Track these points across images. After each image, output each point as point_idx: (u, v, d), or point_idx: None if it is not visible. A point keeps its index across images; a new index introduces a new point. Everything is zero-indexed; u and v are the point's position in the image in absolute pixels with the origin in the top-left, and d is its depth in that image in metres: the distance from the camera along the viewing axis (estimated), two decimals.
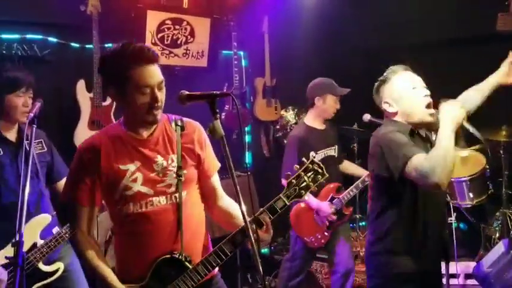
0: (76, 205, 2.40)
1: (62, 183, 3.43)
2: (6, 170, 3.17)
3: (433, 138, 2.88)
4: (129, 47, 2.28)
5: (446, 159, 2.45)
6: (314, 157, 2.52)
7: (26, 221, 3.01)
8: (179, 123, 2.47)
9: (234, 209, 2.54)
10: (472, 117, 2.78)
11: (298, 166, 2.44)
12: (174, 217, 2.37)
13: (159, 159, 2.38)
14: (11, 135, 3.26)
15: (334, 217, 4.36)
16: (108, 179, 2.34)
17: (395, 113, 2.83)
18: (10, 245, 3.03)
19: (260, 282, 1.97)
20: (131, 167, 2.34)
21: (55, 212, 3.35)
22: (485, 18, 5.40)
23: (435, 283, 2.98)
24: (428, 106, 2.74)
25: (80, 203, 2.39)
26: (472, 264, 4.45)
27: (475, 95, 2.98)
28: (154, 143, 2.41)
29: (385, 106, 2.87)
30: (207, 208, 2.62)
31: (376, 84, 2.93)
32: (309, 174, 2.41)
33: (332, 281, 4.61)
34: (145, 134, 2.40)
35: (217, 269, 2.49)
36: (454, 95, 2.88)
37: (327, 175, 2.45)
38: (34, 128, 2.97)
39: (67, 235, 3.19)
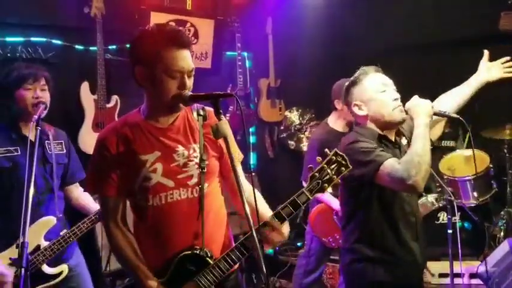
0: (103, 197, 2.34)
1: (71, 188, 3.46)
2: (22, 169, 3.15)
3: (403, 142, 2.77)
4: (165, 28, 2.26)
5: (421, 159, 2.37)
6: None
7: (36, 220, 3.07)
8: (201, 112, 2.38)
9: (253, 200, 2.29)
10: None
11: (320, 158, 2.33)
12: (195, 211, 2.29)
13: (180, 149, 2.30)
14: (31, 134, 3.23)
15: None
16: (128, 168, 2.26)
17: (366, 117, 2.70)
18: (15, 245, 3.00)
19: (264, 282, 1.94)
20: (151, 157, 2.26)
21: (62, 215, 3.35)
22: (487, 17, 5.40)
23: None
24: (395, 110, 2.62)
25: (106, 195, 2.30)
26: (477, 263, 4.44)
27: (455, 95, 2.86)
28: (176, 131, 2.32)
29: (355, 109, 2.73)
30: (232, 198, 2.50)
31: (346, 85, 2.81)
32: (332, 166, 2.29)
33: (340, 281, 4.60)
34: (165, 122, 2.31)
35: (237, 265, 2.42)
36: None
37: (351, 167, 2.32)
38: (39, 130, 2.97)
39: (71, 239, 3.18)
